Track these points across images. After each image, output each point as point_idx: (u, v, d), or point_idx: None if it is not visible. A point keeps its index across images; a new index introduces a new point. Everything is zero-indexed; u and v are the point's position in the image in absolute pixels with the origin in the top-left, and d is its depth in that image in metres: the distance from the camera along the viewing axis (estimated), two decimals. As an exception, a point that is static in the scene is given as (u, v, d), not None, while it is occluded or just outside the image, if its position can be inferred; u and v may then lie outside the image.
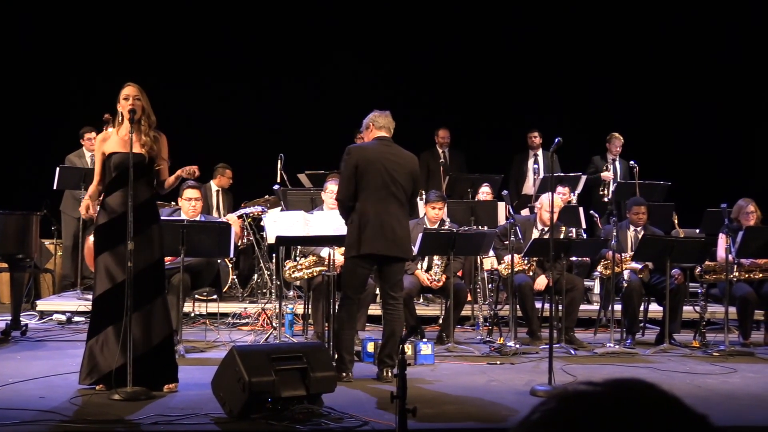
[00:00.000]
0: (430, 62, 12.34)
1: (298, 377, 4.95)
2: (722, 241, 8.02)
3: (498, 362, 6.91)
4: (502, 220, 8.97)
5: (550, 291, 7.73)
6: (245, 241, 9.60)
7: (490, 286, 8.98)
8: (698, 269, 8.15)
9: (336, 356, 6.11)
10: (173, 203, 8.52)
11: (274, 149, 9.85)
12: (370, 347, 6.76)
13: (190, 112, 11.35)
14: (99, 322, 5.50)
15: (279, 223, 7.33)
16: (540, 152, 11.10)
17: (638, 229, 8.16)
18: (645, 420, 0.97)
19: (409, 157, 6.30)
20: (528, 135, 11.16)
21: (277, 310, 7.71)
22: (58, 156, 9.74)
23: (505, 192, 8.45)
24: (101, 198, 5.69)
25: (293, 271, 7.53)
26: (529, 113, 11.80)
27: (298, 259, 7.72)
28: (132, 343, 5.22)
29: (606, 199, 10.67)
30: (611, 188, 10.64)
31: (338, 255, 6.88)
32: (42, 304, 9.14)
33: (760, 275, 7.96)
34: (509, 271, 7.71)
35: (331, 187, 7.34)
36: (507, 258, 7.73)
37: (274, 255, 8.64)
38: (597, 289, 9.34)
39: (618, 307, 7.90)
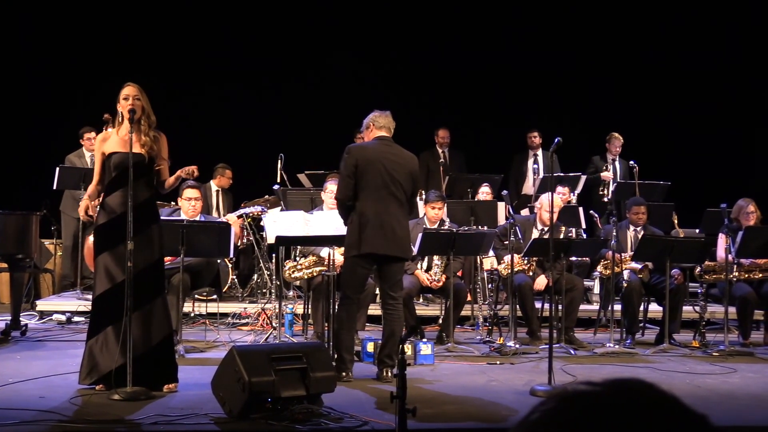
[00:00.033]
0: (430, 62, 12.34)
1: (298, 377, 4.95)
2: (722, 241, 8.02)
3: (498, 362, 6.91)
4: (501, 220, 8.97)
5: (550, 291, 7.73)
6: (245, 241, 9.60)
7: (489, 286, 8.98)
8: (698, 269, 8.15)
9: (336, 356, 6.11)
10: (173, 203, 8.52)
11: (274, 149, 9.86)
12: (370, 347, 6.76)
13: (190, 112, 11.36)
14: (99, 322, 5.50)
15: (279, 223, 7.34)
16: (540, 152, 11.10)
17: (638, 229, 8.16)
18: (644, 420, 0.97)
19: (409, 157, 6.31)
20: (528, 135, 11.16)
21: (277, 310, 7.71)
22: (58, 156, 9.74)
23: (504, 192, 8.45)
24: (101, 198, 5.69)
25: (293, 271, 7.53)
26: (529, 113, 11.80)
27: (297, 259, 7.72)
28: (132, 343, 5.22)
29: (606, 199, 10.67)
30: (611, 188, 10.64)
31: (338, 255, 6.88)
32: (42, 304, 9.14)
33: (760, 275, 7.96)
34: (509, 271, 7.71)
35: (331, 187, 7.34)
36: (507, 258, 7.74)
37: (273, 255, 8.64)
38: (597, 289, 9.34)
39: (618, 307, 7.90)
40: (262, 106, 11.80)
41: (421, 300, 9.02)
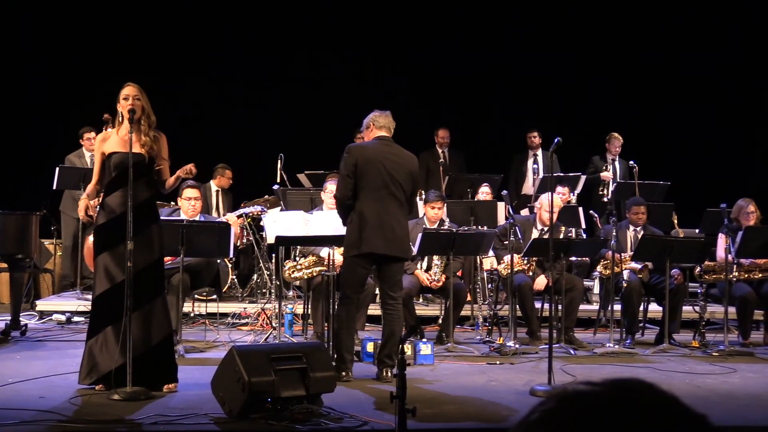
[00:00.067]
0: (430, 62, 12.34)
1: (298, 377, 4.95)
2: (722, 241, 8.02)
3: (497, 362, 6.91)
4: (501, 220, 8.97)
5: (550, 291, 7.74)
6: (245, 241, 9.60)
7: (489, 286, 8.98)
8: (698, 269, 8.15)
9: (335, 356, 6.11)
10: (173, 203, 8.52)
11: (273, 149, 9.86)
12: (370, 347, 6.76)
13: (190, 112, 11.36)
14: (98, 322, 5.50)
15: (278, 223, 7.34)
16: (539, 152, 11.10)
17: (638, 229, 8.16)
18: (644, 420, 0.97)
19: (409, 157, 6.31)
20: (527, 135, 11.16)
21: (277, 310, 7.71)
22: (58, 156, 9.74)
23: (504, 192, 8.45)
24: (101, 198, 5.69)
25: (293, 271, 7.53)
26: (529, 113, 11.80)
27: (297, 259, 7.72)
28: (131, 343, 5.22)
29: (605, 199, 10.67)
30: (611, 188, 10.64)
31: (338, 255, 6.88)
32: (41, 304, 9.14)
33: (760, 275, 7.95)
34: (509, 271, 7.71)
35: (331, 187, 7.34)
36: (506, 258, 7.74)
37: (273, 255, 8.64)
38: (596, 289, 9.34)
39: (617, 307, 7.90)
40: (262, 106, 11.80)
41: (420, 300, 9.02)
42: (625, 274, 7.86)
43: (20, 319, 8.00)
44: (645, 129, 11.93)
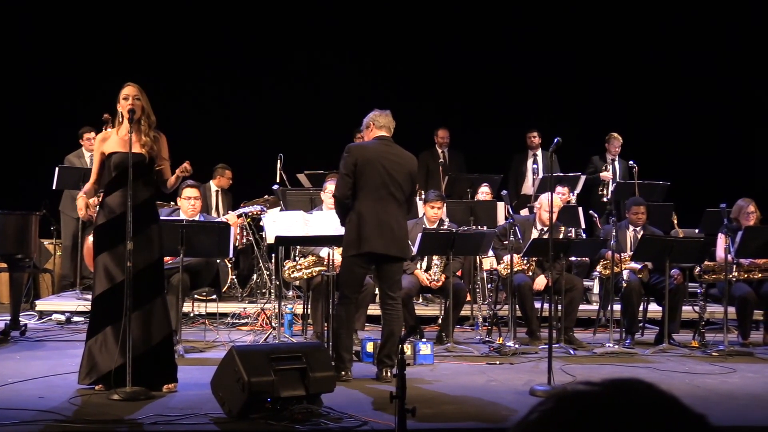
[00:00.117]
0: (430, 62, 12.34)
1: (298, 377, 4.95)
2: (721, 241, 8.02)
3: (497, 362, 6.91)
4: (501, 220, 8.96)
5: (550, 291, 7.74)
6: (244, 241, 9.60)
7: (489, 286, 8.98)
8: (697, 269, 8.15)
9: (334, 355, 6.11)
10: (172, 203, 8.52)
11: (273, 149, 9.86)
12: (370, 347, 6.76)
13: (190, 112, 11.36)
14: (98, 322, 5.50)
15: (278, 223, 7.35)
16: (539, 152, 11.10)
17: (637, 229, 8.16)
18: (643, 420, 0.97)
19: (409, 157, 6.31)
20: (527, 135, 11.16)
21: (277, 310, 7.71)
22: (58, 156, 9.74)
23: (504, 192, 8.46)
24: (100, 198, 5.69)
25: (292, 271, 7.53)
26: (529, 113, 11.80)
27: (297, 259, 7.72)
28: (131, 343, 5.22)
29: (605, 199, 10.67)
30: (610, 188, 10.64)
31: (337, 255, 6.88)
32: (41, 304, 9.14)
33: (760, 275, 7.95)
34: (508, 271, 7.71)
35: (330, 187, 7.33)
36: (506, 258, 7.74)
37: (273, 255, 8.64)
38: (596, 289, 9.34)
39: (617, 307, 7.89)
40: (262, 106, 11.80)
41: (420, 300, 9.02)
42: (625, 274, 7.86)
43: (20, 319, 8.00)
44: (645, 129, 11.93)
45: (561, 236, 7.74)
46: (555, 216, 7.22)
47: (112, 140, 5.60)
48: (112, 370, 5.22)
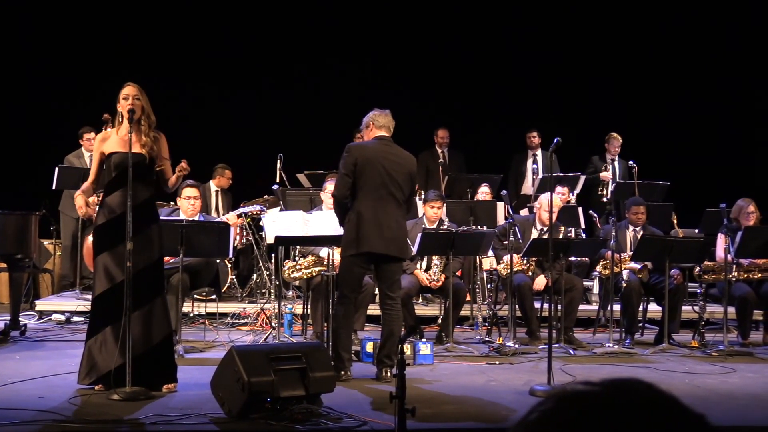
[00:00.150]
0: (430, 62, 12.34)
1: (297, 377, 4.95)
2: (721, 241, 8.02)
3: (497, 362, 6.91)
4: (501, 220, 8.96)
5: (549, 291, 7.74)
6: (244, 241, 9.60)
7: (489, 286, 8.98)
8: (697, 269, 8.15)
9: (333, 355, 6.11)
10: (172, 203, 8.52)
11: (273, 149, 9.86)
12: (369, 347, 6.76)
13: (190, 112, 11.36)
14: (98, 322, 5.50)
15: (278, 223, 7.34)
16: (539, 152, 11.10)
17: (637, 229, 8.16)
18: (643, 420, 0.97)
19: (408, 157, 6.31)
20: (527, 135, 11.16)
21: (276, 310, 7.71)
22: (58, 156, 9.74)
23: (504, 192, 8.46)
24: (100, 197, 5.69)
25: (292, 271, 7.53)
26: (529, 113, 11.80)
27: (297, 259, 7.72)
28: (131, 343, 5.22)
29: (605, 199, 10.67)
30: (610, 188, 10.64)
31: (337, 255, 6.88)
32: (41, 304, 9.14)
33: (759, 275, 7.95)
34: (508, 271, 7.71)
35: (330, 187, 7.33)
36: (506, 258, 7.74)
37: (273, 255, 8.64)
38: (596, 289, 9.34)
39: (617, 307, 7.89)
40: (262, 106, 11.80)
41: (420, 300, 9.02)
42: (625, 274, 7.86)
43: (20, 319, 8.00)
44: (644, 129, 11.93)
45: (561, 236, 7.74)
46: (555, 216, 7.22)
47: (112, 140, 5.60)
48: (112, 370, 5.22)
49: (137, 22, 11.77)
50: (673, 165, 11.25)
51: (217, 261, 8.07)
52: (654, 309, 8.49)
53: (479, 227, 8.60)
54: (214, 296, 8.75)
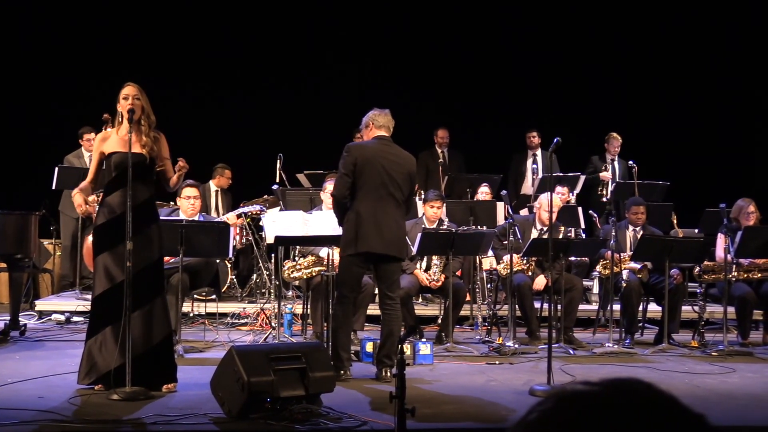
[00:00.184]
0: (430, 62, 12.34)
1: (297, 377, 4.95)
2: (721, 241, 8.01)
3: (497, 362, 6.91)
4: (501, 219, 8.96)
5: (549, 291, 7.74)
6: (244, 241, 9.60)
7: (489, 285, 8.98)
8: (697, 269, 8.14)
9: (333, 355, 6.11)
10: (172, 203, 8.52)
11: (273, 149, 9.86)
12: (369, 347, 6.76)
13: (190, 112, 11.35)
14: (98, 322, 5.49)
15: (278, 223, 7.34)
16: (539, 152, 11.10)
17: (637, 229, 8.16)
18: (642, 420, 0.97)
19: (408, 157, 6.31)
20: (527, 135, 11.16)
21: (276, 310, 7.71)
22: (58, 156, 9.74)
23: (504, 192, 8.46)
24: (100, 197, 5.69)
25: (292, 271, 7.53)
26: (528, 113, 11.80)
27: (297, 259, 7.72)
28: (131, 343, 5.22)
29: (605, 199, 10.68)
30: (610, 188, 10.64)
31: (337, 255, 6.88)
32: (41, 304, 9.14)
33: (759, 275, 7.95)
34: (508, 270, 7.71)
35: (330, 187, 7.33)
36: (506, 258, 7.74)
37: (272, 255, 8.64)
38: (596, 289, 9.34)
39: (617, 307, 7.90)
40: (262, 106, 11.80)
41: (420, 300, 9.02)
42: (625, 274, 7.86)
43: (19, 319, 7.99)
44: (644, 129, 11.93)
45: (560, 236, 7.74)
46: (554, 216, 7.22)
47: (112, 140, 5.60)
48: (112, 370, 5.22)
49: (137, 22, 11.77)
50: (673, 165, 11.25)
51: (217, 261, 8.06)
52: (654, 309, 8.49)
53: (479, 227, 8.60)
54: (213, 296, 8.75)
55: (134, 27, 11.74)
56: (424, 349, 6.82)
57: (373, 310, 7.43)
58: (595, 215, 9.77)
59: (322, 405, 5.00)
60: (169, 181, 5.71)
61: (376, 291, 7.00)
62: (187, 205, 7.52)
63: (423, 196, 8.41)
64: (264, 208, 8.43)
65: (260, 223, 8.50)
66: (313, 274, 7.42)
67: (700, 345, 7.79)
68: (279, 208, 8.83)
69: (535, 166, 11.09)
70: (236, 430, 4.76)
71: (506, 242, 7.73)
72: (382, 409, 5.02)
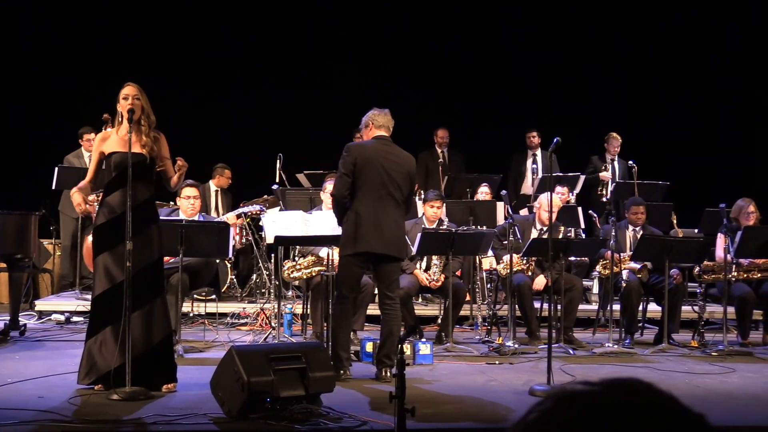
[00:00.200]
0: (430, 62, 12.34)
1: (297, 377, 4.95)
2: (721, 240, 8.02)
3: (497, 362, 6.91)
4: (500, 219, 8.97)
5: (549, 291, 7.74)
6: (244, 241, 9.60)
7: (488, 285, 8.98)
8: (697, 269, 8.15)
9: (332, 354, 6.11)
10: (172, 203, 8.52)
11: (272, 149, 9.86)
12: (369, 347, 6.76)
13: (190, 112, 11.35)
14: (98, 322, 5.49)
15: (278, 223, 7.34)
16: (539, 152, 11.10)
17: (637, 228, 8.16)
18: (642, 420, 0.97)
19: (407, 157, 6.31)
20: (527, 135, 11.17)
21: (276, 310, 7.71)
22: (58, 156, 9.74)
23: (503, 192, 8.46)
24: (100, 197, 5.69)
25: (292, 271, 7.53)
26: (528, 113, 11.80)
27: (296, 259, 7.73)
28: (131, 343, 5.22)
29: (604, 199, 10.68)
30: (610, 188, 10.65)
31: (336, 255, 6.88)
32: (41, 304, 9.14)
33: (759, 275, 7.95)
34: (508, 270, 7.71)
35: (330, 187, 7.33)
36: (506, 258, 7.74)
37: (272, 255, 8.64)
38: (596, 289, 9.34)
39: (617, 306, 7.90)
40: (261, 106, 11.80)
41: (420, 300, 9.02)
42: (624, 274, 7.86)
43: (19, 319, 7.99)
44: (644, 129, 11.93)
45: (560, 236, 7.74)
46: (554, 216, 7.21)
47: (112, 140, 5.60)
48: (112, 370, 5.22)
49: (137, 22, 11.77)
50: (673, 165, 11.25)
51: (217, 261, 8.06)
52: (654, 309, 8.49)
53: (479, 227, 8.60)
54: (213, 296, 8.74)
55: (134, 27, 11.74)
56: (424, 349, 6.82)
57: (373, 310, 7.43)
58: (595, 215, 9.77)
59: (322, 405, 5.00)
60: (170, 181, 5.72)
61: (376, 291, 7.00)
62: (186, 205, 7.53)
63: (423, 196, 8.41)
64: (264, 208, 8.43)
65: (260, 223, 8.50)
66: (313, 274, 7.42)
67: (700, 345, 7.79)
68: (279, 208, 8.83)
69: (534, 166, 11.09)
70: (236, 430, 4.76)
71: (506, 242, 7.73)
72: (381, 409, 5.02)
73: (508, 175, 11.10)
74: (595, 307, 8.84)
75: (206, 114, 11.72)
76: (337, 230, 6.44)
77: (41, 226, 8.39)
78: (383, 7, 12.24)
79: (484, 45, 12.37)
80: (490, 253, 8.09)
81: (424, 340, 7.06)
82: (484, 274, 8.91)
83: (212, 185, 10.38)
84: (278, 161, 9.70)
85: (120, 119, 5.59)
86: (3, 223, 7.78)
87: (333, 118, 10.94)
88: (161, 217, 6.14)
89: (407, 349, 6.62)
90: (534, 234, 7.95)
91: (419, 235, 7.38)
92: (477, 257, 8.61)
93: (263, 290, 9.29)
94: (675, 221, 9.14)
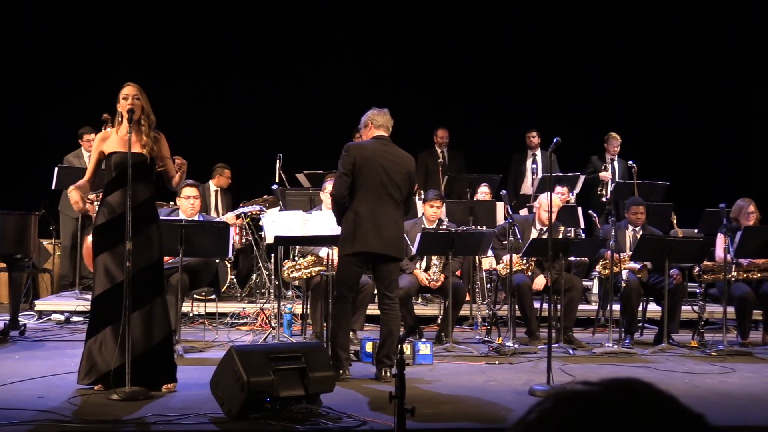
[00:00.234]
0: (430, 62, 12.34)
1: (297, 377, 4.95)
2: (721, 240, 8.02)
3: (496, 362, 6.91)
4: (500, 219, 8.97)
5: (549, 291, 7.74)
6: (243, 241, 9.60)
7: (488, 285, 8.98)
8: (697, 269, 8.15)
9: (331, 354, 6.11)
10: (172, 203, 8.53)
11: (272, 149, 9.86)
12: (369, 347, 6.76)
13: (190, 112, 11.35)
14: (98, 322, 5.49)
15: (278, 222, 7.34)
16: (538, 152, 11.10)
17: (637, 228, 8.16)
18: (642, 420, 0.97)
19: (407, 157, 6.31)
20: (526, 135, 11.17)
21: (276, 310, 7.71)
22: (58, 156, 9.74)
23: (503, 192, 8.46)
24: (100, 197, 5.69)
25: (292, 271, 7.53)
26: (528, 113, 11.80)
27: (296, 259, 7.72)
28: (131, 343, 5.22)
29: (604, 199, 10.68)
30: (610, 188, 10.65)
31: (336, 255, 6.88)
32: (40, 304, 9.14)
33: (759, 275, 7.95)
34: (508, 270, 7.71)
35: (329, 187, 7.33)
36: (506, 258, 7.74)
37: (272, 255, 8.64)
38: (595, 289, 9.34)
39: (616, 306, 7.90)
40: (261, 106, 11.80)
41: (419, 300, 9.02)
42: (624, 274, 7.86)
43: (19, 319, 7.99)
44: (644, 129, 11.94)
45: (560, 236, 7.75)
46: (554, 216, 7.21)
47: (112, 140, 5.60)
48: (112, 370, 5.22)
49: (137, 22, 11.77)
50: (673, 165, 11.25)
51: (217, 261, 8.06)
52: (653, 309, 8.49)
53: (479, 227, 8.60)
54: (213, 296, 8.74)
55: (134, 27, 11.74)
56: (424, 349, 6.82)
57: (373, 310, 7.43)
58: (595, 215, 9.77)
59: (322, 405, 5.00)
60: (171, 180, 5.72)
61: (376, 291, 7.00)
62: (186, 205, 7.53)
63: (423, 196, 8.41)
64: (263, 208, 8.44)
65: (260, 223, 8.50)
66: (313, 274, 7.42)
67: (700, 345, 7.79)
68: (279, 208, 8.83)
69: (534, 166, 11.09)
70: (236, 430, 4.76)
71: (506, 242, 7.73)
72: (381, 409, 5.02)
73: (508, 175, 11.11)
74: (594, 307, 8.84)
75: (206, 114, 11.72)
76: (337, 230, 6.44)
77: (41, 226, 8.39)
78: (383, 7, 12.24)
79: (484, 45, 12.37)
80: (489, 253, 8.09)
81: (423, 340, 7.06)
82: (484, 274, 8.91)
83: (212, 185, 10.38)
84: (278, 161, 9.71)
85: (120, 119, 5.59)
86: (3, 223, 7.78)
87: (333, 118, 10.94)
88: (161, 217, 6.14)
89: (407, 349, 6.62)
90: (534, 234, 7.95)
91: (419, 235, 7.38)
92: (477, 257, 8.61)
93: (263, 290, 9.29)
94: (675, 221, 9.14)
